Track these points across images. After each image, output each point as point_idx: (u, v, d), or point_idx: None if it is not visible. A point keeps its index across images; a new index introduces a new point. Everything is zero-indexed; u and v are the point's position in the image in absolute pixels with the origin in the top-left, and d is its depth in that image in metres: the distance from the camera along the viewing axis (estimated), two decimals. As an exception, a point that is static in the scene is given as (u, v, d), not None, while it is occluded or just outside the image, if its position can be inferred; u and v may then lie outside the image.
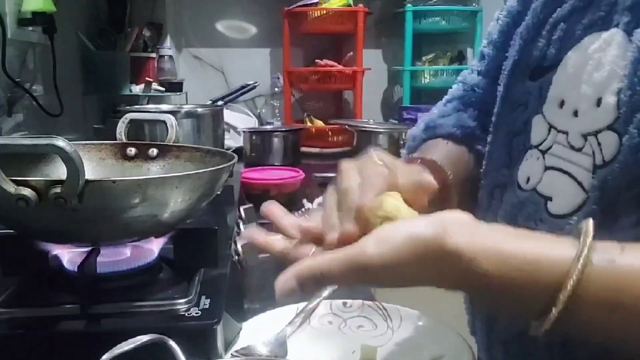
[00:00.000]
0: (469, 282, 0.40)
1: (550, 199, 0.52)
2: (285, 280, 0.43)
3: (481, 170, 0.64)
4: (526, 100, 0.57)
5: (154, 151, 0.75)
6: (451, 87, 0.75)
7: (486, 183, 0.62)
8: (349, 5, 2.04)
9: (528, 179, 0.55)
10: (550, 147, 0.53)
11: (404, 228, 0.40)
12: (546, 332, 0.39)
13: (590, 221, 0.39)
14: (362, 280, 0.41)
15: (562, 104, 0.52)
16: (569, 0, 0.54)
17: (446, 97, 0.74)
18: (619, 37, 0.47)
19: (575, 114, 0.50)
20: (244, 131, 1.78)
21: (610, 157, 0.46)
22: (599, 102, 0.48)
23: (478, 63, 0.71)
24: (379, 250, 0.39)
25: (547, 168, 0.53)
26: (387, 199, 0.45)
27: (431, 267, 0.39)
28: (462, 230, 0.39)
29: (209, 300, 0.55)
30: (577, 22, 0.52)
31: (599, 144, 0.47)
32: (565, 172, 0.50)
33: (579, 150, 0.49)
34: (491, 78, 0.68)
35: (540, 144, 0.54)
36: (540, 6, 0.57)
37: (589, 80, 0.49)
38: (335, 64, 2.12)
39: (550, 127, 0.53)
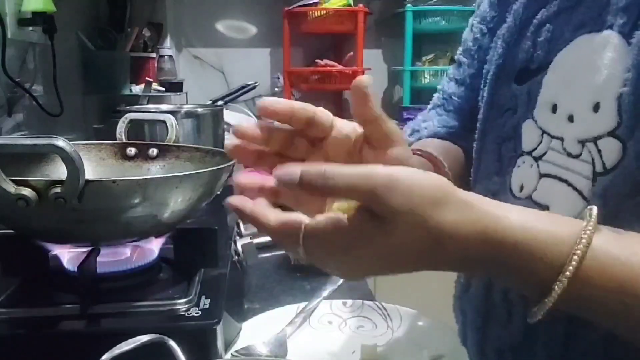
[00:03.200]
0: (478, 241, 0.37)
1: (548, 207, 0.50)
2: (290, 168, 0.37)
3: (470, 178, 0.62)
4: (514, 104, 0.55)
5: (154, 151, 0.75)
6: None
7: (477, 192, 0.60)
8: (349, 5, 2.04)
9: (522, 187, 0.53)
10: (544, 154, 0.51)
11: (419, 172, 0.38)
12: (549, 312, 0.38)
13: (595, 208, 0.38)
14: (366, 201, 0.36)
15: (554, 108, 0.50)
16: (555, 0, 0.52)
17: (429, 106, 0.75)
18: (614, 39, 0.45)
19: (571, 119, 0.49)
20: (244, 131, 1.77)
21: (612, 164, 0.45)
22: (596, 107, 0.46)
23: (455, 71, 0.71)
24: (395, 171, 0.36)
25: (542, 175, 0.51)
26: None
27: (440, 207, 0.36)
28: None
29: (209, 300, 0.55)
30: (565, 23, 0.50)
31: (599, 150, 0.46)
32: (562, 180, 0.49)
33: (576, 157, 0.48)
34: (467, 86, 0.68)
35: (532, 150, 0.52)
36: (521, 7, 0.56)
37: (583, 84, 0.47)
38: (335, 64, 2.12)
39: (543, 132, 0.51)
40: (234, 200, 0.41)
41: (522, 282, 0.39)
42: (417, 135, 0.71)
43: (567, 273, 0.36)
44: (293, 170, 0.37)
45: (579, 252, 0.36)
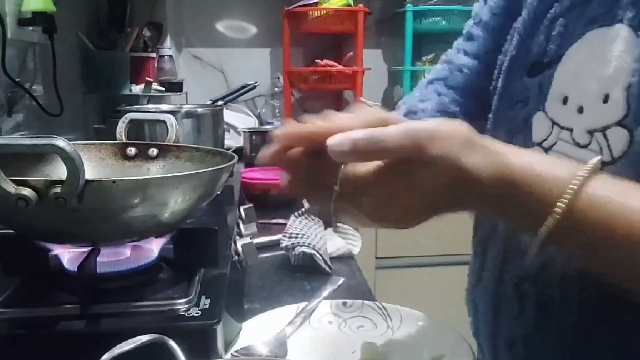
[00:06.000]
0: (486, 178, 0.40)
1: None
2: (340, 140, 0.41)
3: None
4: (525, 97, 0.56)
5: (154, 151, 0.75)
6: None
7: None
8: (349, 5, 2.04)
9: None
10: (553, 144, 0.52)
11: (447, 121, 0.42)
12: (540, 247, 0.41)
13: (598, 157, 0.41)
14: (412, 153, 0.39)
15: (565, 100, 0.51)
16: None
17: (429, 77, 0.73)
18: (624, 33, 0.47)
19: (580, 110, 0.50)
20: (244, 131, 1.78)
21: (619, 154, 0.46)
22: (605, 98, 0.47)
23: (464, 43, 0.69)
24: (432, 124, 0.40)
25: None
26: None
27: (468, 149, 0.40)
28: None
29: (209, 300, 0.55)
30: (578, 17, 0.51)
31: (607, 140, 0.47)
32: None
33: (585, 147, 0.49)
34: (482, 61, 0.67)
35: (542, 142, 0.53)
36: (536, 1, 0.56)
37: (594, 76, 0.48)
38: (335, 64, 2.11)
39: (553, 123, 0.52)
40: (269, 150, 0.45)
41: (522, 216, 0.42)
42: (414, 117, 0.69)
43: (560, 204, 0.39)
44: (345, 138, 0.40)
45: (573, 186, 0.39)
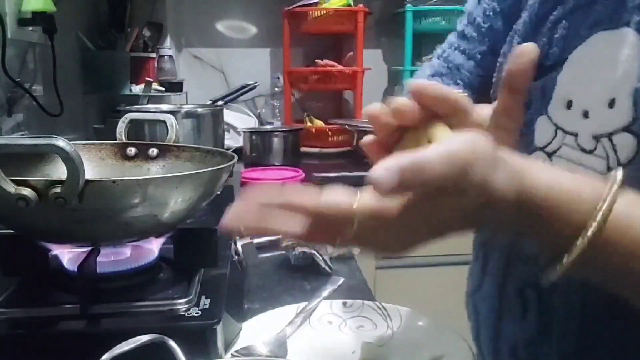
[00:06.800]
0: (515, 196, 0.38)
1: None
2: (386, 173, 0.36)
3: None
4: (528, 100, 0.55)
5: (154, 151, 0.75)
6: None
7: None
8: (349, 5, 2.04)
9: None
10: (557, 149, 0.51)
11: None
12: (564, 273, 0.39)
13: (621, 170, 0.40)
14: (456, 176, 0.37)
15: (569, 104, 0.51)
16: None
17: (427, 72, 0.71)
18: (631, 37, 0.46)
19: (585, 115, 0.49)
20: (244, 131, 1.78)
21: (626, 160, 0.45)
22: (611, 103, 0.47)
23: (460, 41, 0.69)
24: (468, 141, 0.37)
25: None
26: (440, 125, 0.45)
27: (495, 170, 0.38)
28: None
29: (209, 300, 0.55)
30: (581, 20, 0.51)
31: (614, 146, 0.46)
32: None
33: (590, 152, 0.48)
34: (478, 62, 0.67)
35: (546, 146, 0.52)
36: (537, 3, 0.56)
37: (599, 80, 0.48)
38: (335, 64, 2.11)
39: (557, 128, 0.52)
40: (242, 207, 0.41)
41: (543, 239, 0.41)
42: None
43: (589, 233, 0.37)
44: (392, 170, 0.36)
45: (601, 213, 0.37)
